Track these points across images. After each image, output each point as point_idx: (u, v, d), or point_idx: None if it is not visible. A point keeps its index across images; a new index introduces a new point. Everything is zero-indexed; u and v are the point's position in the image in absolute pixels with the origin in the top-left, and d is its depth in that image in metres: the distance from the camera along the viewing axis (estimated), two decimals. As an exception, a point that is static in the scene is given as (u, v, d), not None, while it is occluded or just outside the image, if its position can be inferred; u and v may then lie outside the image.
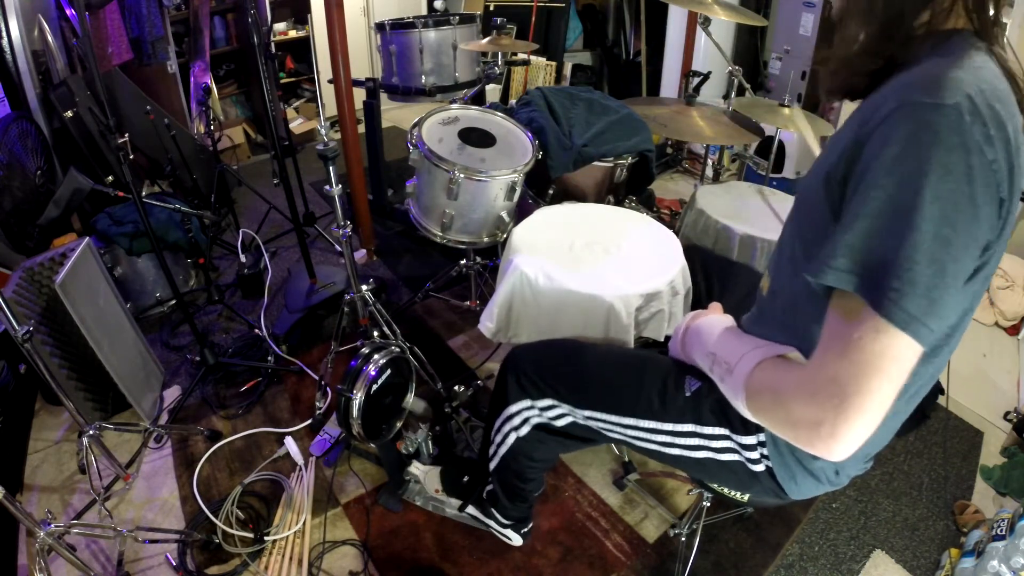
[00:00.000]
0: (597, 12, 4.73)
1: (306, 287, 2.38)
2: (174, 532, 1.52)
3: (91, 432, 1.49)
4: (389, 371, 1.48)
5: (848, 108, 2.80)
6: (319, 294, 2.34)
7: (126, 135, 1.58)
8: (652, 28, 4.27)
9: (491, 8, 4.44)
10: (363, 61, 4.49)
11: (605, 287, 1.33)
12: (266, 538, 1.51)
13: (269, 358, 2.11)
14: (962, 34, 0.69)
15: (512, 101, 3.43)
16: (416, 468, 1.62)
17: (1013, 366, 2.26)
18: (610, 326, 1.33)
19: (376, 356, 1.45)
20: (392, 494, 1.61)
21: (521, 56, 3.65)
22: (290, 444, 1.76)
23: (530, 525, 1.49)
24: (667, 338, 1.30)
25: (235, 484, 1.65)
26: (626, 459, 1.75)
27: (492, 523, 1.47)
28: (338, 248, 2.19)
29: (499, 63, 2.86)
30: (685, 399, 0.99)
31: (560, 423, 1.17)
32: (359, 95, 2.56)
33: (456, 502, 1.54)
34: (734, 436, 0.95)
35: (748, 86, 2.54)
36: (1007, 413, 1.98)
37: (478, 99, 2.88)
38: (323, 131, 1.42)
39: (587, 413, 1.10)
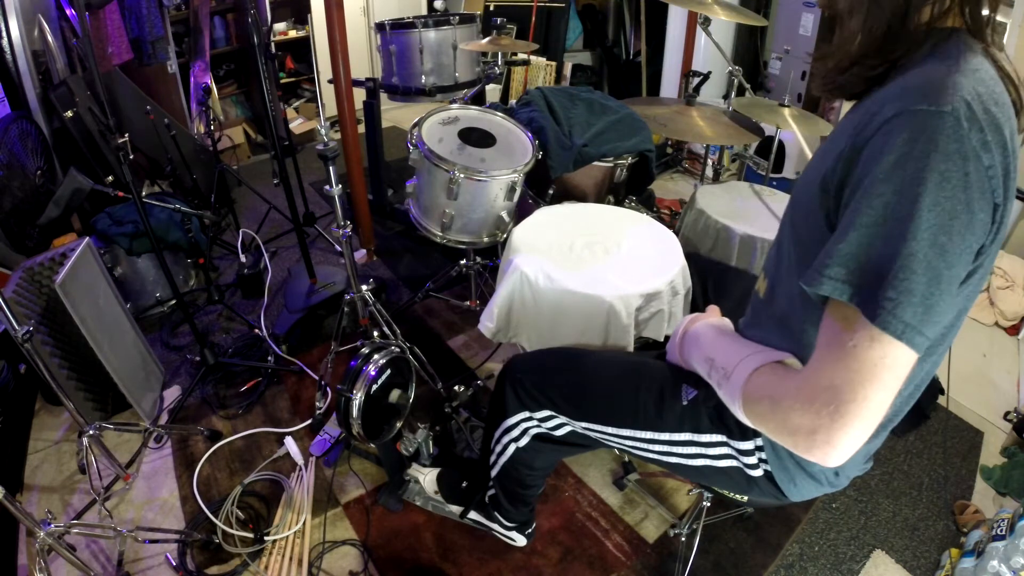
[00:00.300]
0: (597, 12, 4.72)
1: (306, 287, 2.38)
2: (174, 532, 1.52)
3: (91, 432, 1.49)
4: (389, 371, 1.48)
5: (848, 108, 2.79)
6: (319, 294, 2.34)
7: (126, 135, 1.57)
8: (652, 28, 4.27)
9: (491, 8, 4.44)
10: (363, 61, 4.49)
11: (605, 287, 1.34)
12: (266, 538, 1.51)
13: (269, 358, 2.11)
14: (959, 34, 0.69)
15: (512, 101, 3.42)
16: (416, 471, 1.62)
17: (1013, 366, 2.26)
18: (610, 326, 1.33)
19: (376, 356, 1.45)
20: (392, 494, 1.61)
21: (521, 56, 3.65)
22: (290, 444, 1.76)
23: (533, 526, 1.50)
24: (667, 338, 1.30)
25: (235, 484, 1.65)
26: (626, 459, 1.75)
27: (496, 526, 1.47)
28: (338, 248, 2.19)
29: (499, 63, 2.86)
30: (682, 408, 0.99)
31: (559, 432, 1.17)
32: (359, 95, 2.56)
33: (456, 509, 1.54)
34: (731, 442, 0.96)
35: (748, 86, 2.54)
36: (1007, 413, 1.98)
37: (478, 99, 2.88)
38: (323, 131, 1.42)
39: (585, 424, 1.11)
